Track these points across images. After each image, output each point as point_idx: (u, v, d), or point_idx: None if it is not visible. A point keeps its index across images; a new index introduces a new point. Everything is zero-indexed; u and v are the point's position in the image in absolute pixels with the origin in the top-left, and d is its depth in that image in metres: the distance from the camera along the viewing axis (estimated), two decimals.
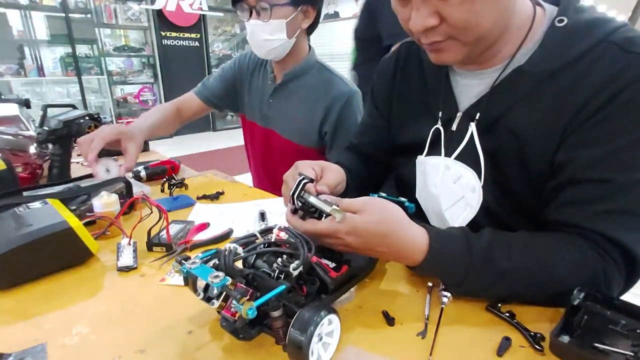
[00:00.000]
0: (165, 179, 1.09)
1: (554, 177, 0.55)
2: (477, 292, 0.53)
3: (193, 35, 5.89)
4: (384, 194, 0.62)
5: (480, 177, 0.60)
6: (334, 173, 0.69)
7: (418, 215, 0.69)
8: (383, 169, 0.88)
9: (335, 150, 1.14)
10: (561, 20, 0.55)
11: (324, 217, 0.52)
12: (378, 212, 0.51)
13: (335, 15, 6.93)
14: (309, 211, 0.54)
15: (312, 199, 0.53)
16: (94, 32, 5.08)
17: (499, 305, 0.52)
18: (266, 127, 1.22)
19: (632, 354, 0.42)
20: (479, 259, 0.51)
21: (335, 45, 4.90)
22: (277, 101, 1.19)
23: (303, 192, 0.54)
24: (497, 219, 0.62)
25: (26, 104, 1.41)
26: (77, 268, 0.66)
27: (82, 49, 5.03)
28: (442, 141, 0.65)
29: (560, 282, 0.51)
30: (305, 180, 0.55)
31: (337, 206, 0.50)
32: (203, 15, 5.85)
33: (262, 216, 0.86)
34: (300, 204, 0.55)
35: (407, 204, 0.61)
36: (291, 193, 0.55)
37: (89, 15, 4.94)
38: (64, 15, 4.60)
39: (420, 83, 0.72)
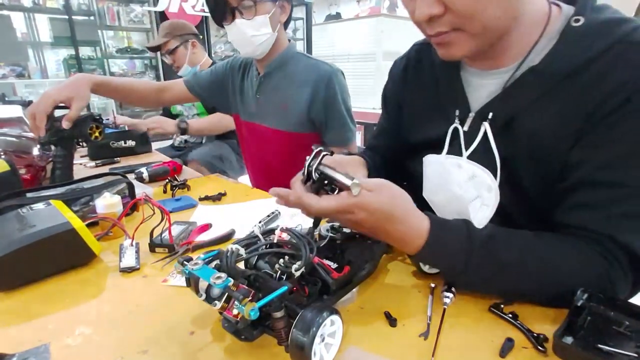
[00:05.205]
0: (167, 180, 1.09)
1: (565, 179, 0.54)
2: (478, 285, 0.53)
3: None
4: None
5: (495, 177, 0.59)
6: (355, 168, 0.70)
7: None
8: (399, 170, 0.87)
9: (332, 131, 1.15)
10: (577, 20, 0.53)
11: (336, 193, 0.51)
12: (390, 194, 0.50)
13: (337, 16, 6.93)
14: (322, 185, 0.52)
15: (330, 171, 0.51)
16: (97, 34, 5.09)
17: (502, 306, 0.52)
18: (258, 123, 1.26)
19: (635, 355, 0.41)
20: (479, 249, 0.50)
21: (336, 46, 4.89)
22: (263, 96, 1.22)
23: (321, 165, 0.52)
24: (510, 221, 0.60)
25: (29, 105, 1.42)
26: (79, 269, 0.67)
27: (85, 51, 5.04)
28: (461, 140, 0.63)
29: (562, 282, 0.50)
30: (324, 152, 0.52)
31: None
32: (205, 17, 5.85)
33: (275, 216, 0.85)
34: (317, 176, 0.52)
35: None
36: (308, 164, 0.52)
37: (92, 17, 4.95)
38: (67, 17, 4.62)
39: (432, 82, 0.71)
